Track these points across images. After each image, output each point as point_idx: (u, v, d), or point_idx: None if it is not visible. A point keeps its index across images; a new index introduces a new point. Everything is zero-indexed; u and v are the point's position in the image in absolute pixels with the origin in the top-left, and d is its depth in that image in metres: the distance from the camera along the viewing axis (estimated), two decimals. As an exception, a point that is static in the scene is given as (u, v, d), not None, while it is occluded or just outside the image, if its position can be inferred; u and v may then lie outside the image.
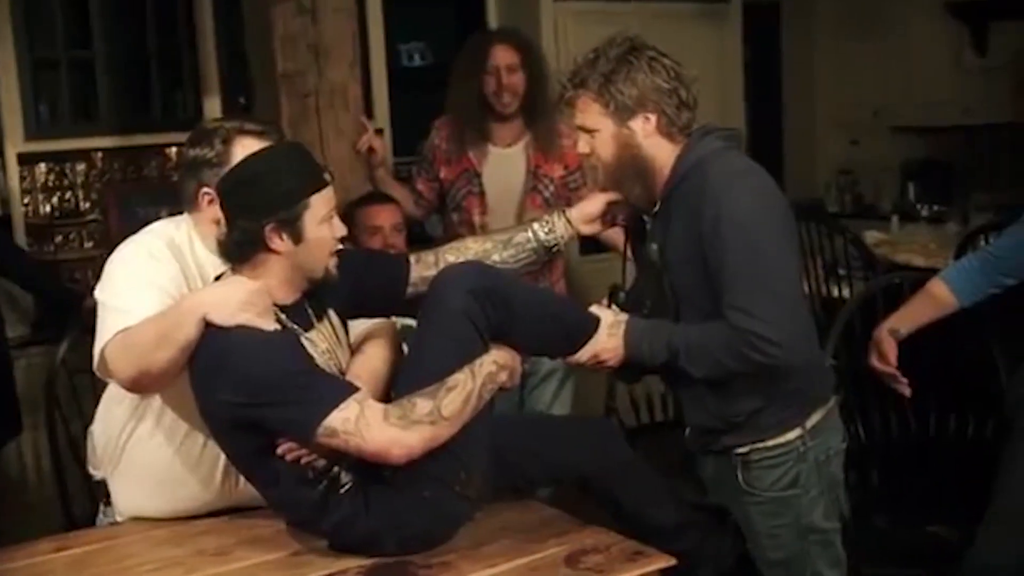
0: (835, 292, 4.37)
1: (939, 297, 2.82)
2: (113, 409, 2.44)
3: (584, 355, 2.34)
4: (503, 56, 3.64)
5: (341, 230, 2.19)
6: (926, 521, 3.07)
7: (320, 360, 2.18)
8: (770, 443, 2.34)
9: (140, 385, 2.23)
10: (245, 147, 2.31)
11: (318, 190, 2.11)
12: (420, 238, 4.28)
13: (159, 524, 2.40)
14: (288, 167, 2.12)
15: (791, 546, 2.39)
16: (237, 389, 2.02)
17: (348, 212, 3.51)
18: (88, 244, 4.51)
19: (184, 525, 2.38)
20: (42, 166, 4.42)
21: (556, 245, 2.52)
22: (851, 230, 4.53)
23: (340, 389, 2.06)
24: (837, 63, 6.69)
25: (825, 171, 6.89)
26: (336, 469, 2.14)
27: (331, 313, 2.30)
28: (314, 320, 2.23)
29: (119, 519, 2.51)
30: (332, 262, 2.19)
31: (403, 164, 4.55)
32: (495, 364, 2.16)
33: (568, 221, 2.51)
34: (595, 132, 2.30)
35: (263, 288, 2.10)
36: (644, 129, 2.28)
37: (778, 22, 6.84)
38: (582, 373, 3.70)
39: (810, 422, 2.35)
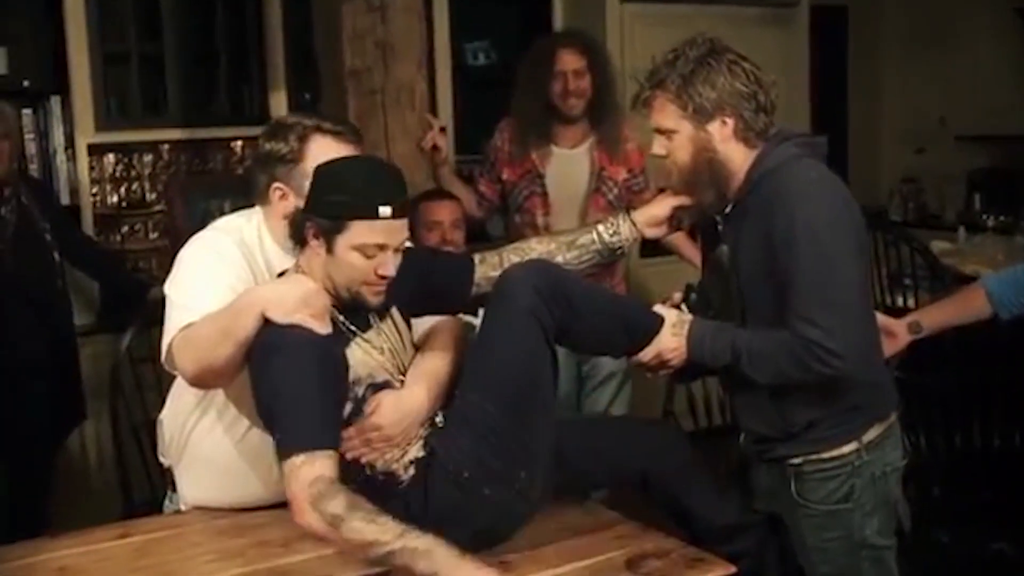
0: (900, 302, 4.31)
1: (974, 302, 2.70)
2: (181, 398, 2.47)
3: (647, 354, 2.32)
4: (570, 60, 3.65)
5: (385, 269, 2.11)
6: (989, 538, 3.03)
7: (379, 361, 2.19)
8: (825, 455, 2.31)
9: (203, 380, 2.26)
10: (321, 146, 2.31)
11: (366, 218, 2.05)
12: (481, 237, 4.28)
13: (222, 514, 2.43)
14: (353, 181, 2.09)
15: (841, 561, 2.35)
16: (260, 390, 2.06)
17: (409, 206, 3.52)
18: (153, 235, 4.54)
19: (246, 516, 2.40)
20: (111, 157, 4.46)
21: (620, 248, 2.51)
22: (916, 239, 4.48)
23: (316, 437, 1.98)
24: (904, 69, 6.61)
25: (889, 179, 6.81)
26: (395, 465, 2.16)
27: (394, 312, 2.29)
28: (374, 320, 2.23)
29: (183, 507, 2.54)
30: (367, 290, 2.13)
31: (466, 162, 4.56)
32: (426, 545, 1.90)
33: (633, 223, 2.49)
34: (672, 134, 2.28)
35: (321, 289, 2.11)
36: (721, 133, 2.25)
37: (845, 27, 6.76)
38: (640, 377, 3.71)
39: (867, 436, 2.31)
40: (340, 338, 2.14)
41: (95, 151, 4.39)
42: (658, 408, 3.63)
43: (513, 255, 2.42)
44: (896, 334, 2.62)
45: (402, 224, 2.12)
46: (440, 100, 4.96)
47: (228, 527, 2.37)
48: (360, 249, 2.08)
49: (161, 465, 2.66)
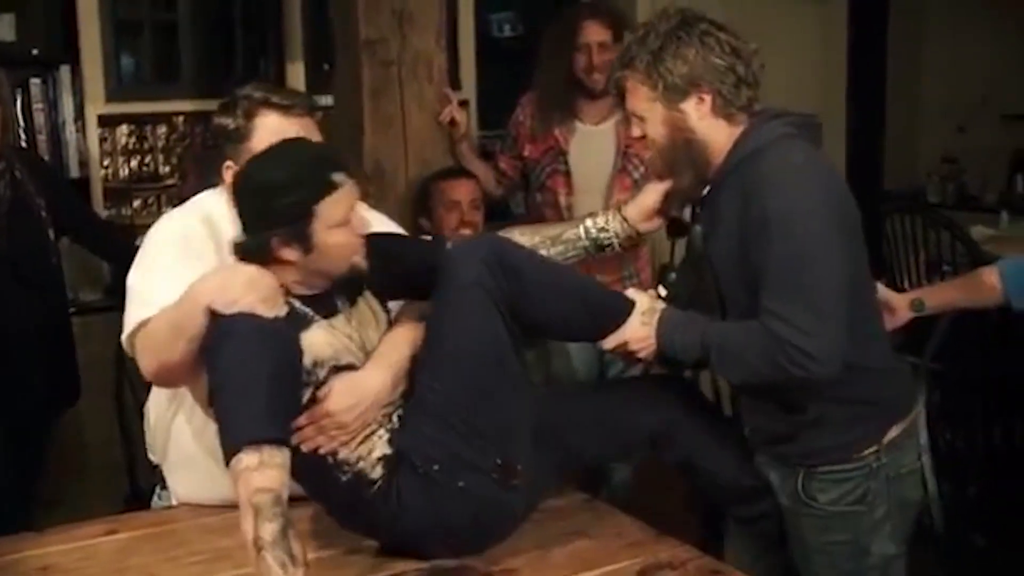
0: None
1: (984, 284, 2.47)
2: (158, 390, 2.38)
3: (610, 342, 2.17)
4: (595, 33, 3.51)
5: (363, 227, 2.04)
6: (1030, 542, 2.87)
7: (344, 344, 2.05)
8: (841, 456, 2.14)
9: (163, 379, 2.15)
10: (267, 123, 2.20)
11: (327, 195, 1.96)
12: (503, 215, 4.16)
13: (212, 511, 2.31)
14: (292, 174, 1.97)
15: (845, 566, 2.18)
16: (208, 383, 1.90)
17: (426, 185, 3.40)
18: (166, 209, 4.40)
19: (237, 513, 2.27)
20: (123, 128, 4.36)
21: (610, 244, 2.36)
22: (956, 223, 4.29)
23: (263, 428, 1.81)
24: (946, 44, 6.39)
25: (928, 159, 6.60)
26: (361, 463, 2.04)
27: (368, 296, 2.17)
28: (343, 306, 2.10)
29: (174, 502, 2.43)
30: (356, 258, 2.05)
31: (489, 138, 4.43)
32: None
33: (624, 219, 2.34)
34: (645, 116, 2.13)
35: (265, 271, 1.96)
36: (698, 110, 2.09)
37: (886, 1, 6.55)
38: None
39: (887, 437, 2.14)
40: (297, 322, 2.00)
41: (106, 122, 4.29)
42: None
43: None
44: (896, 309, 2.41)
45: (352, 180, 2.03)
46: (463, 73, 4.82)
47: (218, 525, 2.25)
48: (339, 224, 1.99)
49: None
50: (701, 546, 2.15)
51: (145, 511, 2.53)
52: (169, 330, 1.99)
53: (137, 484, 3.10)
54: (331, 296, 2.08)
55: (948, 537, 2.47)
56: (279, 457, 1.81)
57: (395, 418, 2.09)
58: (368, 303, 2.16)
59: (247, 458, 1.79)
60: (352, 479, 2.03)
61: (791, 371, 1.98)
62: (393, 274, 2.20)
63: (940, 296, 2.53)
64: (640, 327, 2.15)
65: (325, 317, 2.05)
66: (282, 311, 1.94)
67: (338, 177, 1.98)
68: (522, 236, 2.34)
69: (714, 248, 2.15)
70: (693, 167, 2.14)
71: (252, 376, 1.84)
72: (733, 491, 2.26)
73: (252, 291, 1.90)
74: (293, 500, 1.96)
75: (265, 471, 1.79)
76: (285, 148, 2.07)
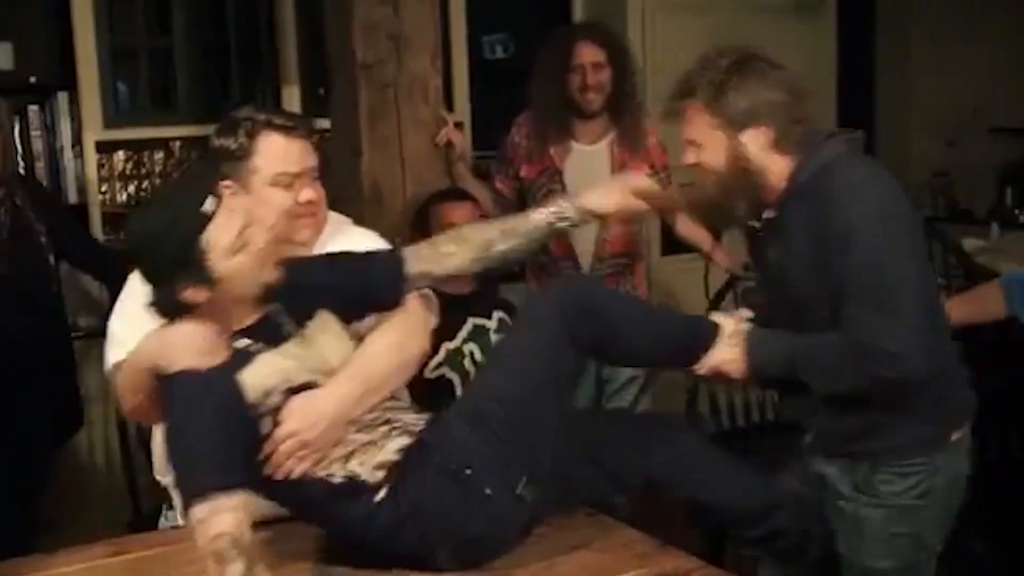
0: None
1: (988, 300, 2.59)
2: None
3: (704, 367, 2.24)
4: (588, 53, 3.56)
5: (259, 240, 1.98)
6: (1029, 550, 2.90)
7: (293, 365, 2.05)
8: (910, 453, 2.21)
9: (138, 418, 2.26)
10: (270, 143, 2.24)
11: (203, 229, 1.93)
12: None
13: (221, 530, 2.32)
14: (165, 219, 1.95)
15: (907, 556, 2.26)
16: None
17: (425, 207, 3.43)
18: (164, 234, 4.45)
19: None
20: (120, 154, 4.38)
21: (564, 226, 2.30)
22: (948, 236, 4.33)
23: (211, 480, 1.85)
24: (935, 59, 6.43)
25: (918, 173, 6.62)
26: (360, 477, 2.05)
27: (322, 315, 2.14)
28: (290, 329, 2.09)
29: (180, 522, 2.44)
30: (265, 274, 2.01)
31: (483, 159, 4.46)
32: None
33: (580, 207, 2.29)
34: (704, 145, 2.18)
35: (199, 325, 1.97)
36: (757, 142, 2.16)
37: (873, 15, 6.61)
38: (664, 378, 3.58)
39: (952, 437, 2.23)
40: (240, 360, 2.00)
41: (103, 148, 4.31)
42: (680, 412, 3.52)
43: (450, 244, 2.24)
44: None
45: (228, 197, 2.01)
46: (457, 94, 4.86)
47: (227, 543, 2.26)
48: (233, 250, 1.96)
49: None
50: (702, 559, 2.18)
51: (153, 532, 2.55)
52: (132, 382, 2.07)
53: (140, 508, 3.12)
54: (274, 322, 2.08)
55: (948, 543, 2.50)
56: (231, 502, 1.85)
57: (400, 429, 2.11)
58: (323, 321, 2.14)
59: (198, 510, 1.84)
60: (343, 485, 2.04)
61: (882, 374, 2.05)
62: (354, 290, 2.19)
63: (946, 313, 2.59)
64: (728, 349, 2.22)
65: (272, 344, 2.05)
66: (224, 356, 1.96)
67: (210, 205, 1.95)
68: (473, 233, 2.29)
69: (790, 266, 2.20)
70: (747, 195, 2.20)
71: (195, 432, 1.89)
72: (741, 517, 2.29)
73: (189, 348, 1.93)
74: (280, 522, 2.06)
75: (217, 518, 1.83)
76: (155, 198, 2.11)
